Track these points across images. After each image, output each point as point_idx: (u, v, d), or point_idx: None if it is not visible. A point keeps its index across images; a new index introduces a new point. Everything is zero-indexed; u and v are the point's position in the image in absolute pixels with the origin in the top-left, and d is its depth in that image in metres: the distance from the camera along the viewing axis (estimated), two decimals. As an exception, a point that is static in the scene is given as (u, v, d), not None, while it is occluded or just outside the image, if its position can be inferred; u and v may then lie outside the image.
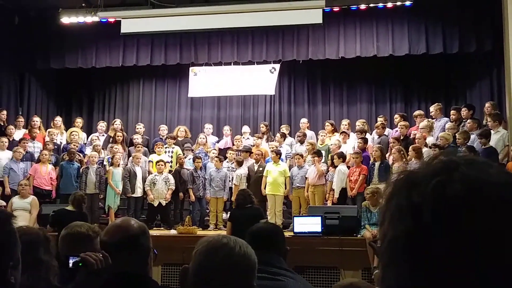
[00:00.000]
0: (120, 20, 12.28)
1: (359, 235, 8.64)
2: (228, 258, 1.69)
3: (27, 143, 11.34)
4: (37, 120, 12.35)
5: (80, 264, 2.19)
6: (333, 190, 10.13)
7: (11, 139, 11.56)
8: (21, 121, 12.49)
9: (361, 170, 9.88)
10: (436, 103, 11.62)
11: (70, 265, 2.27)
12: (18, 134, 11.98)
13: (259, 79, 13.08)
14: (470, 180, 0.78)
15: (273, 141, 12.10)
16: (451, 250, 0.75)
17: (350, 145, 11.23)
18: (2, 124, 12.09)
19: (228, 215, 8.53)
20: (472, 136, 9.83)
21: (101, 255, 2.25)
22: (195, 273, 1.71)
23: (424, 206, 0.77)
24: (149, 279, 2.23)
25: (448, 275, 0.75)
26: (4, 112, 12.35)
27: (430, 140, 10.39)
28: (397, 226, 0.80)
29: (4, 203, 9.65)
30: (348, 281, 2.35)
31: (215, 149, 11.82)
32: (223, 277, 1.69)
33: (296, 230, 8.67)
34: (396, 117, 11.70)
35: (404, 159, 9.67)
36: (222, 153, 11.85)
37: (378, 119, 12.05)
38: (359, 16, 12.60)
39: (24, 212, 9.40)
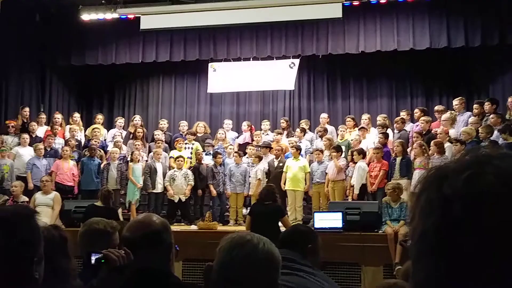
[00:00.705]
0: (139, 17, 12.36)
1: (380, 231, 8.57)
2: (251, 255, 1.68)
3: (52, 139, 11.45)
4: (58, 116, 12.50)
5: (103, 260, 2.19)
6: (352, 186, 10.05)
7: (33, 136, 11.70)
8: (43, 118, 12.63)
9: (382, 165, 9.78)
10: (460, 97, 11.44)
11: (92, 261, 2.27)
12: (40, 130, 12.12)
13: (279, 74, 13.04)
14: (503, 172, 0.75)
15: (292, 136, 12.06)
16: (482, 243, 0.73)
17: (370, 140, 11.13)
18: (25, 121, 12.23)
19: (248, 209, 8.50)
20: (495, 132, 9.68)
21: (123, 252, 2.25)
22: (218, 270, 1.70)
23: (455, 198, 0.75)
24: (171, 274, 2.23)
25: (478, 269, 0.73)
26: (27, 109, 12.51)
27: (452, 132, 10.23)
28: (426, 219, 0.78)
29: (26, 199, 9.76)
30: (392, 281, 2.34)
31: (231, 144, 11.81)
32: (247, 274, 1.67)
33: (316, 225, 8.62)
34: (417, 112, 11.54)
35: (425, 154, 9.57)
36: (242, 149, 11.83)
37: (401, 113, 11.93)
38: (379, 10, 12.49)
39: (47, 208, 9.49)
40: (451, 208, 0.75)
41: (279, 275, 1.73)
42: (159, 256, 2.15)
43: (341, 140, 11.37)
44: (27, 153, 11.12)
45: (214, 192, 10.87)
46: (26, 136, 11.38)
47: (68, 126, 12.55)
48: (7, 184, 10.31)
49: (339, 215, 8.64)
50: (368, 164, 10.07)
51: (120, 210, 9.98)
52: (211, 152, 11.64)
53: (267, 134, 12.57)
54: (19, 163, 10.96)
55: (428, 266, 0.77)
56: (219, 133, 12.36)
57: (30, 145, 11.28)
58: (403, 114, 11.72)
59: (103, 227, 3.00)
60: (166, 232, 2.20)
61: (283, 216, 7.98)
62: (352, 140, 10.99)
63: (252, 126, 13.03)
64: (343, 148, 10.74)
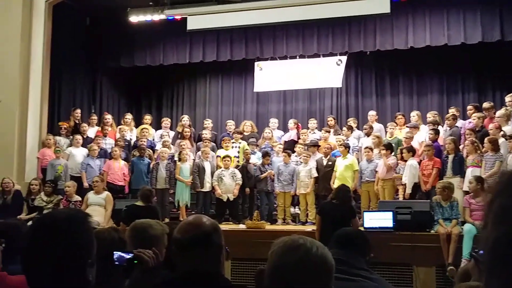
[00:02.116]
0: (186, 17, 12.48)
1: (432, 231, 8.36)
2: (304, 259, 1.64)
3: (101, 140, 11.71)
4: (109, 117, 12.77)
5: (135, 261, 2.19)
6: (403, 184, 9.84)
7: (85, 137, 11.98)
8: (94, 119, 12.93)
9: (434, 163, 9.54)
10: (512, 93, 11.04)
11: (116, 261, 2.25)
12: (91, 131, 12.41)
13: (326, 72, 12.94)
14: None
15: (339, 134, 11.94)
16: None
17: (420, 137, 10.88)
18: (77, 122, 12.55)
19: (319, 208, 8.40)
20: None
21: (152, 253, 2.25)
22: (270, 274, 1.66)
23: None
24: (220, 276, 2.21)
25: None
26: (78, 110, 12.85)
27: (508, 129, 9.86)
28: (500, 227, 0.73)
29: (79, 199, 10.00)
30: (475, 284, 2.28)
31: (281, 144, 11.76)
32: (300, 278, 1.63)
33: (366, 225, 8.49)
34: (470, 109, 11.18)
35: (478, 151, 9.29)
36: (288, 147, 11.75)
37: (450, 110, 11.61)
38: (428, 4, 12.24)
39: (99, 208, 9.70)
40: None
41: (332, 280, 1.69)
42: (209, 258, 2.14)
43: (390, 137, 11.17)
44: (79, 153, 11.42)
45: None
46: (79, 137, 11.69)
47: (118, 127, 12.80)
48: (61, 184, 10.58)
49: (389, 215, 8.48)
50: (419, 162, 9.84)
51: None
52: (256, 151, 11.64)
53: (314, 132, 12.48)
54: (72, 163, 11.26)
55: (503, 277, 0.72)
56: (266, 132, 12.35)
57: (82, 146, 11.56)
58: (452, 111, 11.40)
59: (156, 231, 3.02)
60: (216, 234, 2.19)
61: (354, 218, 7.86)
62: (402, 137, 10.76)
63: (299, 124, 12.95)
64: (393, 146, 10.56)
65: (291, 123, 12.88)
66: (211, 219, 2.28)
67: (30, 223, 7.99)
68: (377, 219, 8.57)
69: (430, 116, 11.28)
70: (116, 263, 2.23)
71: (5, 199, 9.98)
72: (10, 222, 3.56)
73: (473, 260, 2.57)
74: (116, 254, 2.24)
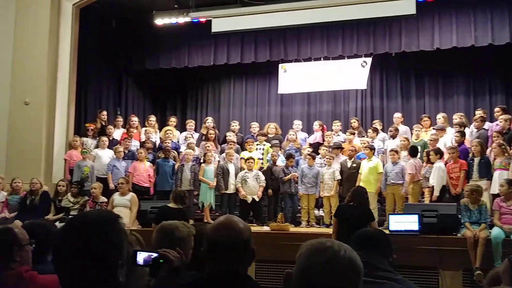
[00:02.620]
0: (211, 20, 12.53)
1: (459, 234, 8.25)
2: (332, 262, 1.63)
3: (129, 142, 11.82)
4: (135, 119, 12.88)
5: (161, 261, 2.20)
6: (430, 187, 9.71)
7: (110, 138, 12.11)
8: (120, 121, 13.05)
9: (461, 165, 9.41)
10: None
11: (139, 262, 2.26)
12: (116, 133, 12.54)
13: (350, 74, 12.87)
14: None
15: (364, 136, 11.86)
16: None
17: (447, 140, 10.74)
18: (103, 124, 12.69)
19: (335, 210, 8.37)
20: None
21: (176, 252, 2.26)
22: (298, 277, 1.66)
23: None
24: (250, 278, 2.22)
25: None
26: (104, 112, 13.00)
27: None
28: None
29: (105, 200, 10.10)
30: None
31: (309, 148, 11.70)
32: (327, 281, 1.62)
33: (391, 228, 8.41)
34: (498, 110, 10.99)
35: (506, 154, 9.14)
36: (313, 149, 11.70)
37: (476, 112, 11.43)
38: (454, 5, 12.09)
39: (124, 209, 9.78)
40: None
41: (360, 283, 1.67)
42: (242, 260, 2.15)
43: (416, 140, 11.06)
44: (106, 155, 11.55)
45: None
46: (105, 139, 11.82)
47: (143, 129, 12.90)
48: (87, 185, 10.70)
49: (415, 218, 8.39)
50: (445, 165, 9.72)
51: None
52: (279, 153, 11.63)
53: (338, 134, 12.41)
54: (99, 164, 11.39)
55: None
56: (290, 134, 12.32)
57: (108, 147, 11.69)
58: (478, 113, 11.21)
59: (183, 233, 3.03)
60: (251, 239, 2.20)
61: (372, 220, 7.80)
62: (428, 140, 10.64)
63: (324, 126, 12.90)
64: (419, 148, 10.45)
65: (316, 125, 12.83)
66: (243, 221, 2.28)
67: (57, 223, 8.11)
68: (402, 222, 8.48)
69: (457, 117, 11.13)
70: (139, 263, 2.25)
71: (33, 199, 10.13)
72: (38, 222, 3.61)
73: (508, 264, 2.52)
74: (140, 254, 2.26)
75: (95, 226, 1.62)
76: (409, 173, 9.90)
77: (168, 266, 2.24)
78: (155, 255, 2.24)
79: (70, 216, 9.73)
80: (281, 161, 11.38)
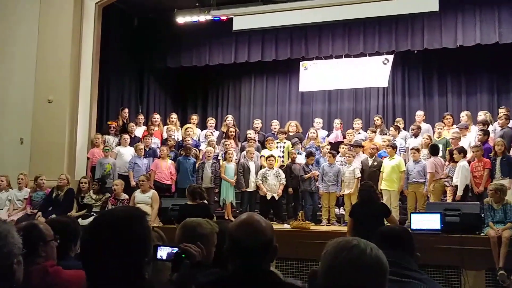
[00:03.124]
0: (232, 18, 12.54)
1: (482, 234, 8.14)
2: (359, 260, 1.63)
3: (149, 139, 11.90)
4: (157, 117, 12.95)
5: (183, 255, 2.21)
6: (452, 186, 9.60)
7: (132, 136, 12.20)
8: (141, 119, 13.13)
9: (485, 164, 9.28)
10: None
11: (159, 256, 2.27)
12: (138, 131, 12.63)
13: (372, 71, 12.79)
14: None
15: (385, 134, 11.77)
16: None
17: (470, 138, 10.60)
18: (125, 121, 12.79)
19: (350, 210, 8.33)
20: None
21: (197, 247, 2.27)
22: (324, 275, 1.66)
23: None
24: (273, 272, 2.23)
25: None
26: (126, 110, 13.09)
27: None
28: None
29: (127, 197, 10.18)
30: None
31: (328, 145, 11.66)
32: (354, 279, 1.62)
33: (413, 227, 8.33)
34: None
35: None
36: (333, 147, 11.67)
37: (500, 110, 11.26)
38: (478, 1, 11.91)
39: (146, 206, 9.84)
40: None
41: (386, 282, 1.66)
42: (266, 258, 2.17)
43: (438, 138, 10.94)
44: (127, 152, 11.63)
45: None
46: (126, 136, 11.90)
47: (165, 127, 12.97)
48: (109, 182, 10.80)
49: (437, 217, 8.31)
50: (469, 163, 9.59)
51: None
52: (300, 151, 11.60)
53: (359, 133, 12.33)
54: (120, 162, 11.48)
55: None
56: (311, 132, 12.28)
57: (130, 145, 11.78)
58: (502, 111, 11.04)
59: (205, 229, 3.04)
60: (274, 237, 2.21)
61: (389, 215, 7.75)
62: (450, 138, 10.52)
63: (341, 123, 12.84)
64: (441, 146, 10.34)
65: (336, 123, 12.77)
66: (265, 219, 2.29)
67: (80, 220, 8.18)
68: (424, 221, 8.40)
69: (482, 114, 10.98)
70: (161, 257, 2.26)
71: (58, 195, 10.27)
72: (61, 219, 3.65)
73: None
74: (161, 249, 2.27)
75: (123, 223, 1.63)
76: (429, 172, 9.81)
77: (191, 261, 2.25)
78: (175, 250, 2.25)
79: (92, 213, 9.85)
80: (301, 159, 11.35)
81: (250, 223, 2.20)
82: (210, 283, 2.18)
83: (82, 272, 1.71)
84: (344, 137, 12.09)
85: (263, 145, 12.25)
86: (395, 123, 12.19)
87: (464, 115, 11.33)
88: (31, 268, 2.53)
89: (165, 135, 12.63)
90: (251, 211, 10.51)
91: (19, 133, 11.77)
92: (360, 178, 10.39)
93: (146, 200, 10.05)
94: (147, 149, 11.63)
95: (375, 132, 11.76)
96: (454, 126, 11.23)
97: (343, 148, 11.23)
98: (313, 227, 9.82)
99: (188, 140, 11.93)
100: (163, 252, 2.24)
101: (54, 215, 9.64)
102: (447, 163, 9.92)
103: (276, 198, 10.77)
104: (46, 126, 11.48)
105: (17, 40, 12.03)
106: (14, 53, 12.03)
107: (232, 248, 2.17)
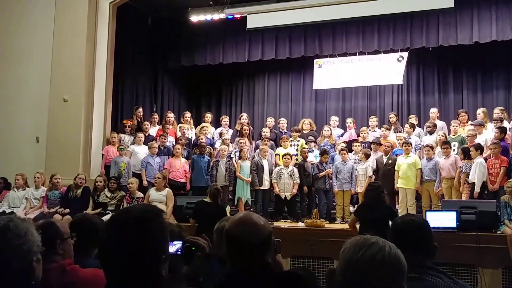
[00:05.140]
0: (245, 16, 12.55)
1: (498, 232, 8.07)
2: (377, 257, 1.63)
3: (165, 138, 11.94)
4: (171, 115, 13.00)
5: (193, 248, 2.22)
6: (468, 183, 9.50)
7: (146, 135, 12.25)
8: (156, 118, 13.18)
9: (501, 162, 9.17)
10: None
11: (171, 250, 2.28)
12: (152, 130, 12.68)
13: (386, 69, 12.72)
14: None
15: (400, 132, 11.69)
16: None
17: (488, 136, 10.49)
18: (140, 120, 12.85)
19: (355, 208, 8.31)
20: None
21: (204, 239, 2.28)
22: (342, 272, 1.66)
23: None
24: (269, 265, 2.24)
25: None
26: (141, 109, 13.15)
27: None
28: None
29: (142, 195, 10.23)
30: None
31: (343, 143, 11.61)
32: (372, 277, 1.62)
33: (429, 225, 8.26)
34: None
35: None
36: (347, 146, 11.62)
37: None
38: (494, -3, 11.80)
39: (160, 204, 9.84)
40: None
41: (404, 280, 1.66)
42: (265, 255, 2.19)
43: (453, 135, 10.84)
44: (142, 151, 11.68)
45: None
46: (141, 135, 11.96)
47: (179, 125, 13.01)
48: (124, 180, 10.86)
49: (453, 215, 8.25)
50: (485, 160, 9.49)
51: (228, 208, 10.19)
52: (313, 149, 11.57)
53: (374, 130, 12.26)
54: (135, 160, 11.54)
55: None
56: (325, 130, 12.24)
57: (144, 143, 11.83)
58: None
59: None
60: (272, 234, 2.24)
61: (394, 217, 7.68)
62: (465, 135, 10.41)
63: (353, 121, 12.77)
64: (456, 144, 10.25)
65: (349, 122, 12.71)
66: (261, 217, 2.30)
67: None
68: (440, 219, 8.34)
69: (498, 111, 10.86)
70: (172, 251, 2.28)
71: (75, 192, 10.37)
72: (91, 217, 3.68)
73: None
74: (172, 243, 2.28)
75: (140, 221, 1.64)
76: (441, 169, 9.73)
77: (201, 252, 2.27)
78: (180, 243, 2.26)
79: (107, 211, 9.92)
80: (314, 157, 11.32)
81: (248, 221, 2.22)
82: (223, 281, 2.20)
83: (100, 271, 1.72)
84: (358, 135, 12.03)
85: (275, 142, 12.24)
86: (409, 120, 12.11)
87: (480, 112, 11.21)
88: (49, 266, 2.55)
89: (178, 134, 12.67)
90: (265, 210, 10.59)
91: (35, 132, 11.90)
92: (372, 177, 10.32)
93: (161, 198, 10.07)
94: (162, 148, 11.67)
95: (389, 129, 11.69)
96: (469, 123, 11.12)
97: (355, 145, 11.19)
98: (328, 225, 9.80)
99: (203, 139, 11.96)
100: (178, 247, 2.26)
101: (70, 212, 9.79)
102: (461, 160, 9.81)
103: (288, 198, 10.75)
104: (61, 125, 11.58)
105: (33, 41, 12.15)
106: (31, 53, 12.15)
107: (231, 246, 2.18)
